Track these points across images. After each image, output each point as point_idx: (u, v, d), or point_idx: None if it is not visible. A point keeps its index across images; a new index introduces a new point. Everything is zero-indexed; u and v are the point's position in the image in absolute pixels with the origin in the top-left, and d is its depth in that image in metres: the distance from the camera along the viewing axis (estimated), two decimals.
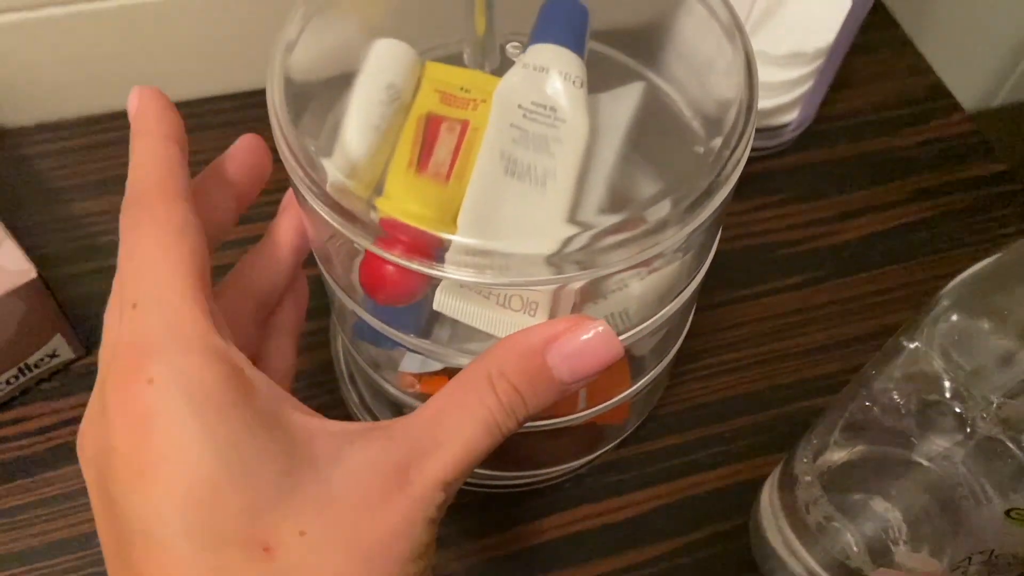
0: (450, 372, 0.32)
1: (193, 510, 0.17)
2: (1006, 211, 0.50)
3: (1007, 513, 0.24)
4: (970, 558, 0.27)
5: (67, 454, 0.39)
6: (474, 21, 0.29)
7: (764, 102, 0.49)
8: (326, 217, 0.24)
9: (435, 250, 0.23)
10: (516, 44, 0.30)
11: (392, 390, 0.34)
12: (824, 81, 0.49)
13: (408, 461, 0.20)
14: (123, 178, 0.45)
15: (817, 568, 0.33)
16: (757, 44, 0.46)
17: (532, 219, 0.26)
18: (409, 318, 0.29)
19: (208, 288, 0.21)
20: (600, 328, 0.21)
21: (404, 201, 0.26)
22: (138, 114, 0.23)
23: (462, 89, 0.28)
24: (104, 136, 0.48)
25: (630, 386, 0.34)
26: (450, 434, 0.20)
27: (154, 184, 0.21)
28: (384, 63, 0.28)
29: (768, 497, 0.36)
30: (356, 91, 0.28)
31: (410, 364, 0.33)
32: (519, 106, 0.27)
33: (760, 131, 0.50)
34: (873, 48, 0.56)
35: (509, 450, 0.37)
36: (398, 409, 0.36)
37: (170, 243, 0.20)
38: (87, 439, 0.20)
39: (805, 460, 0.32)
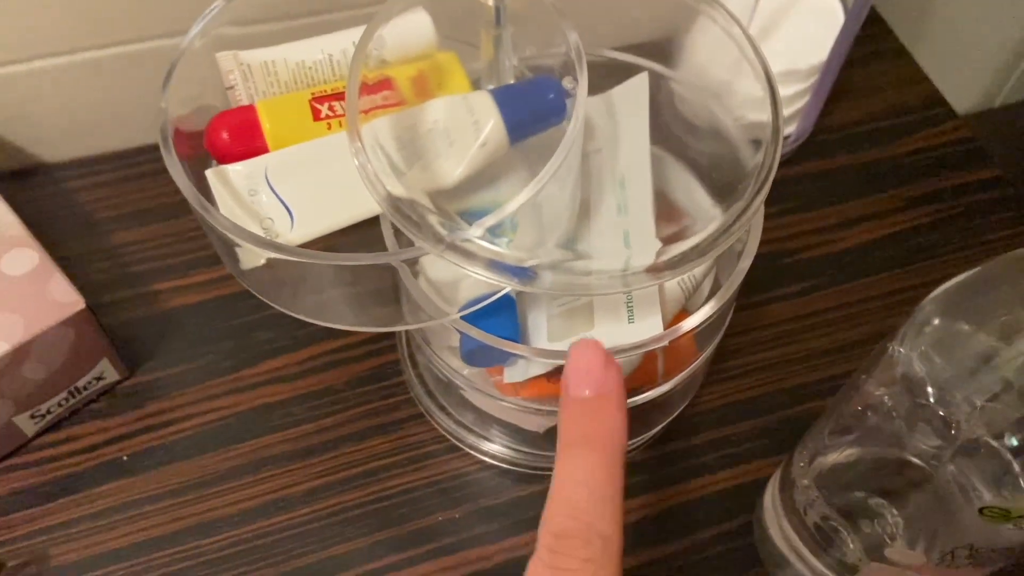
0: (548, 375, 0.35)
1: None
2: (998, 216, 0.52)
3: (980, 511, 0.26)
4: (953, 552, 0.29)
5: (113, 470, 0.41)
6: (481, 49, 0.33)
7: (761, 116, 0.51)
8: None
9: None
10: (571, 80, 0.32)
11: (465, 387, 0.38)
12: (820, 95, 0.51)
13: None
14: (155, 209, 0.49)
15: (817, 563, 0.35)
16: None
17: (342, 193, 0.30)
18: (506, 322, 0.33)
19: None
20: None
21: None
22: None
23: (438, 84, 0.31)
24: (135, 170, 0.50)
25: (698, 355, 0.37)
26: None
27: None
28: (394, 21, 0.31)
29: (770, 498, 0.38)
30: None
31: (513, 374, 0.35)
32: (433, 120, 0.30)
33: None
34: (869, 59, 0.58)
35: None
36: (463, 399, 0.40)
37: None
38: None
39: (801, 464, 0.34)
